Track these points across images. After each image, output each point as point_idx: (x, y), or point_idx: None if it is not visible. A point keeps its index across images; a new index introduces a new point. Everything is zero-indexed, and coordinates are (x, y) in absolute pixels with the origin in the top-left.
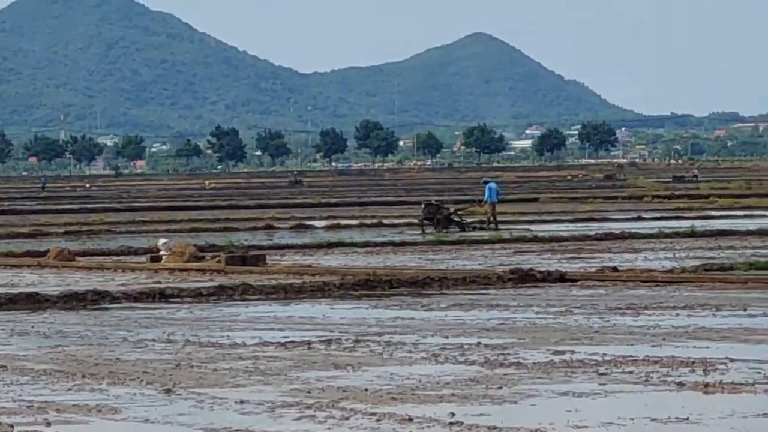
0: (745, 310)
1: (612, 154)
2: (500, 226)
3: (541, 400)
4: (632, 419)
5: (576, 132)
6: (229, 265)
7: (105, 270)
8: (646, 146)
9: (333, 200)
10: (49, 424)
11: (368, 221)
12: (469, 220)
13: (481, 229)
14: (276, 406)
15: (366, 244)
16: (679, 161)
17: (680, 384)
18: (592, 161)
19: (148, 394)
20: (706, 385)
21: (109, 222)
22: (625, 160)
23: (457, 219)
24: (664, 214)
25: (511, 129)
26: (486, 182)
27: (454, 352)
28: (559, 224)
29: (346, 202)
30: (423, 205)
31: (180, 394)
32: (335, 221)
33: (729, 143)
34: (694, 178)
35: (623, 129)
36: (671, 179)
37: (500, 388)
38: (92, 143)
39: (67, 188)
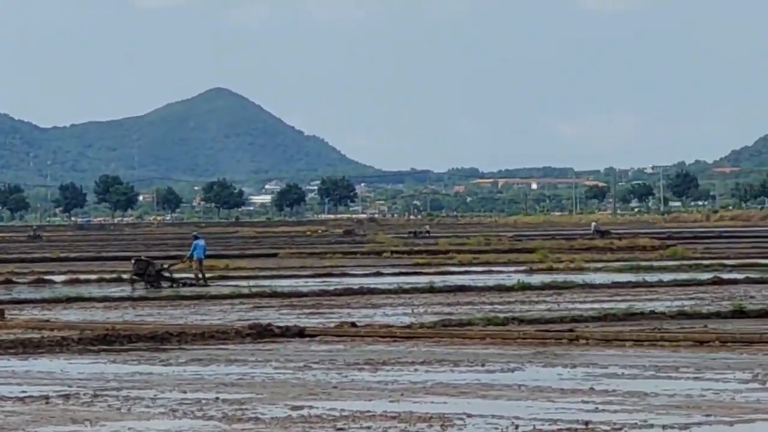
0: (482, 365)
1: (352, 209)
2: (210, 282)
3: None
4: None
5: (316, 187)
6: None
7: None
8: (385, 202)
9: (72, 255)
10: None
11: (107, 276)
12: (180, 276)
13: (192, 285)
14: None
15: (105, 299)
16: (419, 217)
17: None
18: (332, 216)
19: None
20: None
21: None
22: (364, 216)
23: (167, 275)
24: (403, 270)
25: (250, 184)
26: (196, 237)
27: (192, 407)
28: (299, 279)
29: (85, 256)
30: (133, 261)
31: None
32: (74, 276)
33: (468, 199)
34: (427, 234)
35: (363, 184)
36: (408, 235)
37: None
38: None
39: None
